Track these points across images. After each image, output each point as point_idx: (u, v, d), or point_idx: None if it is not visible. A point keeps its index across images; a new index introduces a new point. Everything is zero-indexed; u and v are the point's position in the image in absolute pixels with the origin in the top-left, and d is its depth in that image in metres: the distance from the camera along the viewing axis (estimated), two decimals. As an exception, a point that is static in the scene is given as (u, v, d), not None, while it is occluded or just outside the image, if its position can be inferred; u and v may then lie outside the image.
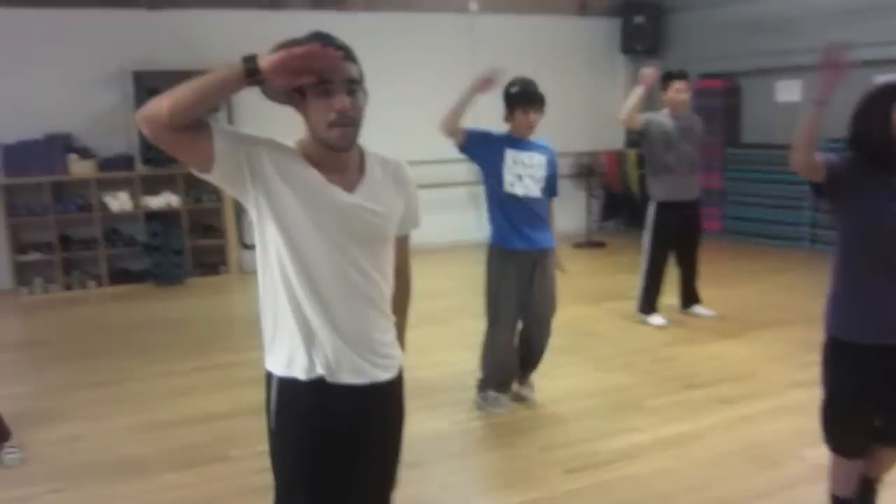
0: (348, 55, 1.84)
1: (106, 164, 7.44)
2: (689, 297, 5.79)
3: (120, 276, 7.56)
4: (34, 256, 7.24)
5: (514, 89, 4.01)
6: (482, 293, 4.16)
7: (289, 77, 1.68)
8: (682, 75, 5.48)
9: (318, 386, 1.88)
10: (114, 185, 7.47)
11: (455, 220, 9.19)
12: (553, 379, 4.58)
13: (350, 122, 1.80)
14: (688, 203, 5.51)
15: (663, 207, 5.49)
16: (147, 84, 7.41)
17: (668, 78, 5.45)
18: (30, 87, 7.32)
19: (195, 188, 7.71)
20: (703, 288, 5.93)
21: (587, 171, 8.93)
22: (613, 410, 4.09)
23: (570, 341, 5.29)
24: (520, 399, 4.21)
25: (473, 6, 8.70)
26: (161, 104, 1.65)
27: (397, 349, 2.06)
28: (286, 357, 1.89)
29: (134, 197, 7.50)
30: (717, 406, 4.09)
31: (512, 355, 4.09)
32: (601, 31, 9.65)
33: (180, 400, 4.47)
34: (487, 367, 4.13)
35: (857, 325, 2.45)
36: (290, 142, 1.89)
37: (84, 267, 7.50)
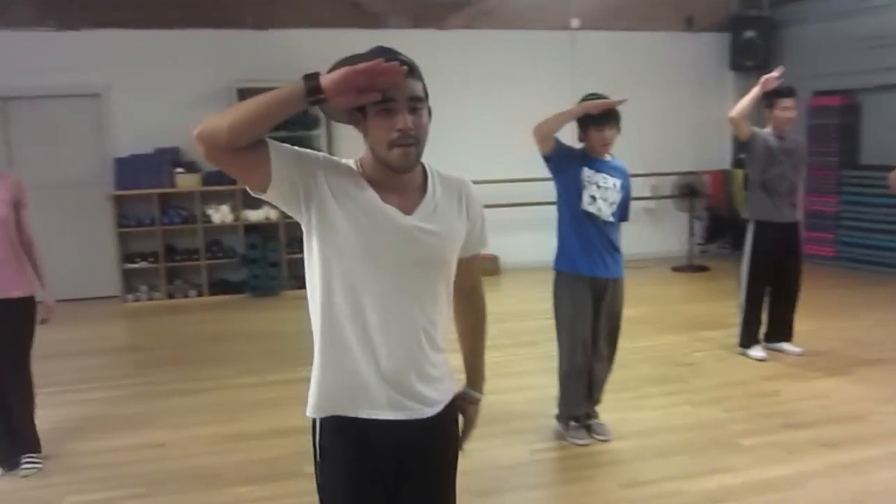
0: (412, 71, 1.74)
1: (210, 177, 7.70)
2: (780, 330, 5.36)
3: (219, 287, 7.79)
4: (140, 265, 7.55)
5: None
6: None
7: (351, 95, 1.60)
8: (790, 92, 5.15)
9: (358, 420, 1.80)
10: (216, 198, 7.72)
11: (552, 240, 9.00)
12: (641, 410, 4.37)
13: (413, 141, 1.70)
14: (786, 225, 5.17)
15: (761, 227, 5.18)
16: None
17: (774, 95, 5.14)
18: (144, 104, 7.68)
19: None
20: (808, 318, 5.56)
21: (690, 191, 8.57)
22: (704, 448, 3.84)
23: (662, 371, 5.06)
24: (594, 433, 4.01)
25: (575, 22, 8.55)
26: (220, 123, 1.59)
27: (448, 382, 1.94)
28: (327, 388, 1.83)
29: (234, 209, 7.72)
30: (819, 449, 3.77)
31: (585, 386, 3.92)
32: (709, 46, 9.29)
33: (264, 412, 4.51)
34: (562, 398, 3.97)
35: None
36: (351, 161, 1.82)
37: (186, 276, 7.77)
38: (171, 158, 7.63)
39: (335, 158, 1.80)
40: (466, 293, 2.01)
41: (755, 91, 5.02)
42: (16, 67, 7.50)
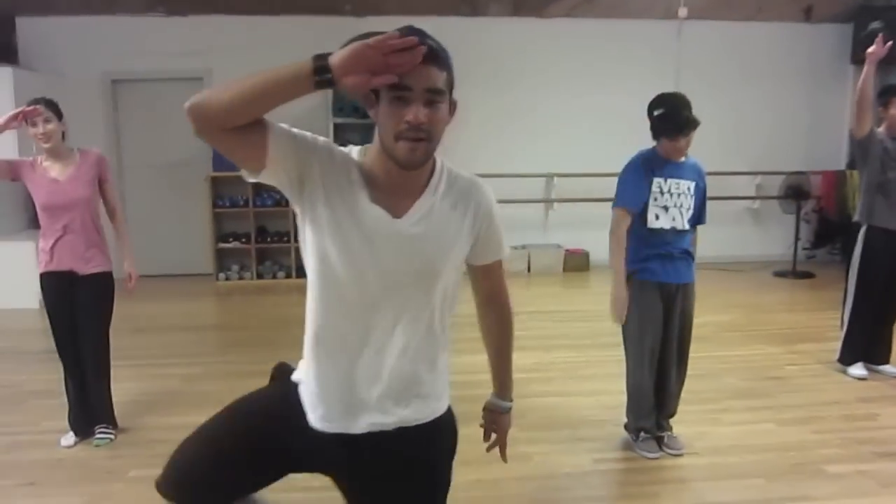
0: (437, 58, 1.57)
1: (302, 162, 7.81)
2: (881, 349, 4.92)
3: (270, 270, 7.90)
4: (233, 245, 7.74)
5: (657, 112, 3.52)
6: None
7: (363, 77, 1.46)
8: None
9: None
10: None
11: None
12: (720, 425, 4.11)
13: (423, 136, 1.55)
14: None
15: (873, 233, 4.75)
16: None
17: (889, 93, 4.70)
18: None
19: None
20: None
21: (797, 191, 8.06)
22: (784, 472, 3.56)
23: (749, 384, 4.75)
24: (666, 446, 3.79)
25: (683, 12, 8.16)
26: (216, 98, 1.47)
27: (438, 401, 1.86)
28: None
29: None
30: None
31: (654, 397, 3.72)
32: (829, 38, 8.70)
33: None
34: (630, 409, 3.77)
35: None
36: (355, 149, 1.71)
37: (275, 258, 7.92)
38: (266, 142, 7.77)
39: (335, 146, 1.66)
40: (486, 299, 1.92)
41: (869, 69, 4.50)
42: (125, 51, 7.82)
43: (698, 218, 3.67)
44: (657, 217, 3.53)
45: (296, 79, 1.47)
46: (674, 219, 3.52)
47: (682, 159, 3.58)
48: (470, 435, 3.94)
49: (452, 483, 3.43)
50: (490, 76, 8.20)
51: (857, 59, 8.56)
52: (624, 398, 4.46)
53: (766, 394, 4.59)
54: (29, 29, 7.75)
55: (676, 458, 3.70)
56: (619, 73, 8.35)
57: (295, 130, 1.62)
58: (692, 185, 3.54)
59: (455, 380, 4.85)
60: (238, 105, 1.47)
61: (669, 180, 3.50)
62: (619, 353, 5.34)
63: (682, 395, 4.51)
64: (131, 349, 5.33)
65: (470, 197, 1.73)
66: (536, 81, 8.28)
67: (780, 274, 8.08)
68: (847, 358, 4.90)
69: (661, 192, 3.51)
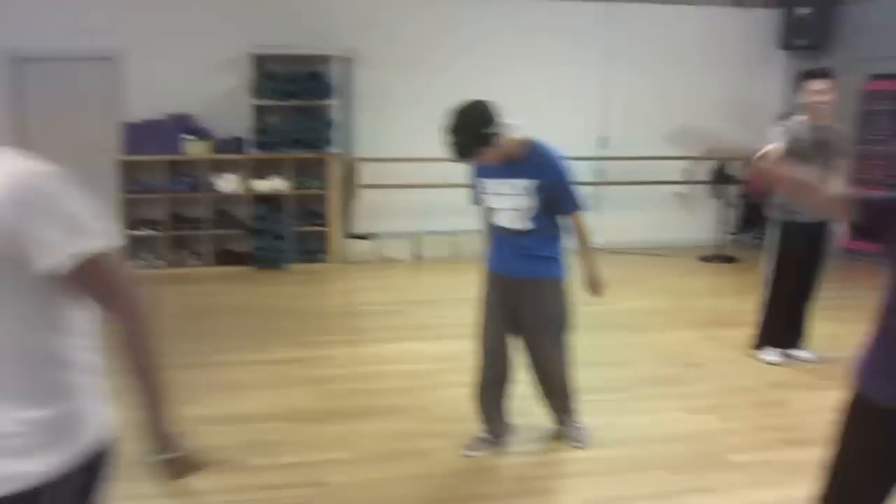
0: None
1: (220, 145, 7.49)
2: (795, 335, 4.87)
3: (224, 258, 7.60)
4: (145, 232, 7.39)
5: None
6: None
7: None
8: (822, 73, 4.61)
9: None
10: (225, 167, 7.50)
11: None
12: (629, 415, 4.00)
13: None
14: (814, 225, 4.65)
15: (788, 227, 4.69)
16: (266, 67, 7.40)
17: (805, 76, 4.62)
18: (158, 69, 7.47)
19: (302, 174, 7.60)
20: (837, 321, 5.09)
21: (722, 177, 8.04)
22: (689, 462, 3.45)
23: (662, 371, 4.66)
24: (570, 439, 3.65)
25: (610, -7, 8.06)
26: None
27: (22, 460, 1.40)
28: None
29: (243, 180, 7.50)
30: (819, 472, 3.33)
31: (485, 389, 3.55)
32: (757, 23, 8.67)
33: (227, 395, 4.26)
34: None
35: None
36: None
37: (191, 246, 7.60)
38: (181, 125, 7.42)
39: None
40: (105, 306, 1.53)
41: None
42: (33, 29, 7.36)
43: (563, 209, 3.32)
44: (493, 215, 3.37)
45: None
46: (503, 219, 3.33)
47: (521, 156, 3.26)
48: (363, 430, 3.77)
49: (340, 483, 3.25)
50: (417, 58, 7.97)
51: (786, 44, 8.58)
52: (533, 388, 4.33)
53: (680, 381, 4.50)
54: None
55: (582, 451, 3.56)
56: (546, 56, 8.20)
57: None
58: (526, 183, 3.23)
59: (357, 372, 4.65)
60: None
61: (490, 181, 3.32)
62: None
63: (595, 383, 4.41)
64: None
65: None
66: (464, 63, 8.07)
67: (706, 258, 8.06)
68: (762, 344, 4.84)
69: (485, 193, 3.35)
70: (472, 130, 3.11)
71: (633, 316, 5.88)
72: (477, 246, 8.01)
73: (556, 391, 3.57)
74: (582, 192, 3.33)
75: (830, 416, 3.90)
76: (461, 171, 3.26)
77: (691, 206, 8.72)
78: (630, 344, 5.18)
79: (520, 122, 3.24)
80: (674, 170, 8.58)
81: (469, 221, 8.36)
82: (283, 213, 7.52)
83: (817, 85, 4.51)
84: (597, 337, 5.33)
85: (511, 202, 3.26)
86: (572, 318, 3.49)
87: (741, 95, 8.79)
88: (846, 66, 8.44)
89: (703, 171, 8.35)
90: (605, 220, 8.66)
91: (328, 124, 7.48)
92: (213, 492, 3.16)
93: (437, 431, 3.70)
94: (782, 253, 4.72)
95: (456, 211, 8.23)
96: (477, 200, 3.48)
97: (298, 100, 7.39)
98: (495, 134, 3.12)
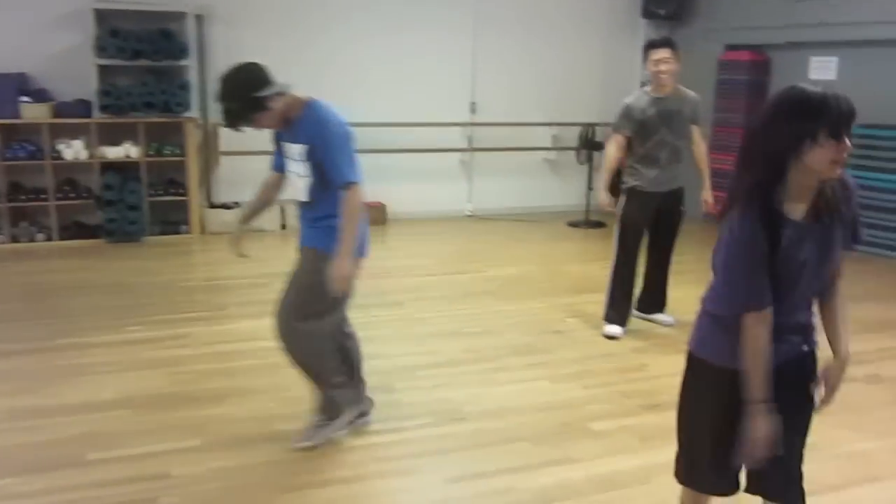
0: None
1: (62, 109, 6.88)
2: (653, 299, 4.96)
3: (72, 231, 7.04)
4: (-22, 204, 6.73)
5: None
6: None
7: None
8: (663, 43, 4.53)
9: None
10: (69, 132, 6.90)
11: (444, 189, 8.54)
12: (494, 385, 3.96)
13: None
14: (663, 194, 4.64)
15: (634, 196, 4.65)
16: (110, 23, 6.84)
17: (648, 47, 4.59)
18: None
19: (157, 139, 7.12)
20: (695, 283, 5.22)
21: (590, 143, 8.15)
22: (552, 432, 3.44)
23: (529, 339, 4.65)
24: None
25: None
26: None
27: None
28: None
29: (89, 146, 6.93)
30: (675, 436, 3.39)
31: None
32: (622, -10, 8.79)
33: (67, 382, 3.91)
34: None
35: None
36: None
37: (34, 218, 6.99)
38: (16, 85, 6.75)
39: None
40: None
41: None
42: None
43: (331, 180, 2.98)
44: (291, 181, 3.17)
45: None
46: (294, 185, 3.14)
47: (298, 118, 3.02)
48: (215, 415, 3.55)
49: (188, 475, 3.03)
50: (276, 18, 7.59)
51: (648, 13, 8.75)
52: (396, 362, 4.25)
53: (546, 349, 4.50)
54: None
55: (442, 427, 3.48)
56: (415, 22, 8.00)
57: None
58: (300, 148, 3.00)
59: (213, 351, 4.37)
60: None
61: (285, 145, 3.13)
62: (401, 311, 5.16)
63: (461, 354, 4.37)
64: None
65: None
66: (330, 25, 7.76)
67: (574, 224, 8.19)
68: (609, 315, 4.83)
69: (286, 157, 3.15)
70: (242, 95, 2.89)
71: (502, 283, 5.87)
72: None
73: (303, 368, 3.25)
74: (355, 163, 2.99)
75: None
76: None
77: (561, 171, 8.82)
78: (497, 313, 5.15)
79: (295, 82, 3.03)
80: (543, 136, 8.65)
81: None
82: (137, 181, 7.02)
83: (658, 54, 4.45)
84: (464, 306, 5.29)
85: (295, 168, 3.07)
86: (327, 297, 3.04)
87: (607, 62, 8.91)
88: (704, 35, 8.72)
89: (572, 137, 8.44)
90: (475, 187, 8.67)
91: (184, 86, 7.02)
92: (41, 493, 2.89)
93: (295, 414, 3.51)
94: (625, 228, 4.72)
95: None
96: (277, 166, 3.24)
97: (149, 60, 6.88)
98: (268, 97, 2.91)
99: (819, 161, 1.82)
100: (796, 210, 1.90)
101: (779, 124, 1.86)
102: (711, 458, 2.14)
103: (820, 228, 1.94)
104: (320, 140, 2.95)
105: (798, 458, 2.11)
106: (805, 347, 2.09)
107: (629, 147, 4.66)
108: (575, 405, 3.73)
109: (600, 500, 2.90)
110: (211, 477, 3.02)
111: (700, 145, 4.84)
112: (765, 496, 2.15)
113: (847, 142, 1.82)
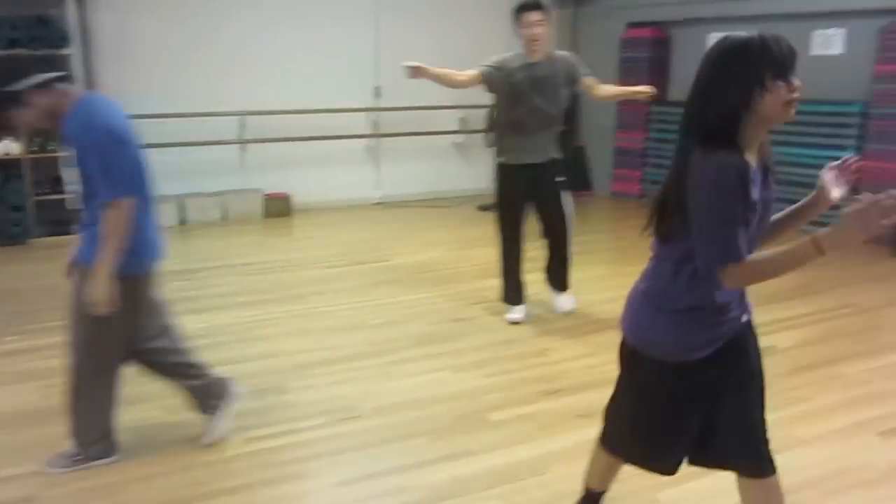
0: None
1: (-70, 103, 6.39)
2: (553, 281, 4.83)
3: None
4: None
5: None
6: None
7: None
8: (535, 5, 4.20)
9: None
10: (-61, 129, 6.44)
11: (348, 176, 8.35)
12: (392, 379, 3.84)
13: None
14: (535, 166, 4.44)
15: (505, 171, 4.51)
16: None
17: (519, 10, 4.27)
18: None
19: (40, 135, 6.70)
20: (602, 263, 5.22)
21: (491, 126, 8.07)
22: (448, 427, 3.34)
23: (431, 328, 4.56)
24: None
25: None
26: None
27: None
28: None
29: (-35, 144, 6.48)
30: (574, 422, 3.34)
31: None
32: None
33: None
34: None
35: None
36: None
37: None
38: None
39: None
40: None
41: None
42: None
43: (90, 190, 2.72)
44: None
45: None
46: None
47: (69, 118, 2.71)
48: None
49: (56, 496, 2.81)
50: (172, 3, 7.23)
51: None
52: (294, 360, 4.09)
53: (448, 338, 4.40)
54: None
55: (336, 426, 3.34)
56: (316, 6, 7.75)
57: None
58: (69, 151, 2.85)
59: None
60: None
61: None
62: (302, 306, 4.98)
63: (361, 347, 4.25)
64: None
65: None
66: (227, 13, 7.44)
67: (484, 208, 8.11)
68: (505, 296, 4.73)
69: None
70: None
71: (407, 271, 5.75)
72: (247, 206, 7.59)
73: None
74: (123, 175, 2.67)
75: (587, 362, 4.00)
76: (229, 127, 2.88)
77: (469, 155, 8.73)
78: (399, 303, 5.03)
79: (62, 76, 2.73)
80: (450, 119, 8.54)
81: (239, 181, 7.93)
82: (19, 180, 6.60)
83: (531, 17, 4.20)
84: (367, 297, 5.15)
85: (69, 174, 2.85)
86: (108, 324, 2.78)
87: (513, 41, 8.81)
88: (606, 14, 8.75)
89: (479, 119, 8.36)
90: (383, 174, 8.51)
91: (66, 78, 6.59)
92: None
93: (181, 421, 3.31)
94: (499, 198, 4.59)
95: (224, 170, 7.72)
96: None
97: (25, 49, 6.45)
98: (26, 91, 2.64)
99: (772, 106, 1.79)
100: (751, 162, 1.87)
101: (723, 81, 1.80)
102: (654, 441, 2.16)
103: (762, 180, 1.93)
104: (82, 145, 2.66)
105: (761, 429, 2.11)
106: (745, 318, 2.10)
107: (497, 113, 4.50)
108: (474, 395, 3.64)
109: (494, 494, 2.82)
110: (83, 495, 2.81)
111: (603, 87, 4.59)
112: (738, 472, 2.14)
113: (795, 81, 1.79)
